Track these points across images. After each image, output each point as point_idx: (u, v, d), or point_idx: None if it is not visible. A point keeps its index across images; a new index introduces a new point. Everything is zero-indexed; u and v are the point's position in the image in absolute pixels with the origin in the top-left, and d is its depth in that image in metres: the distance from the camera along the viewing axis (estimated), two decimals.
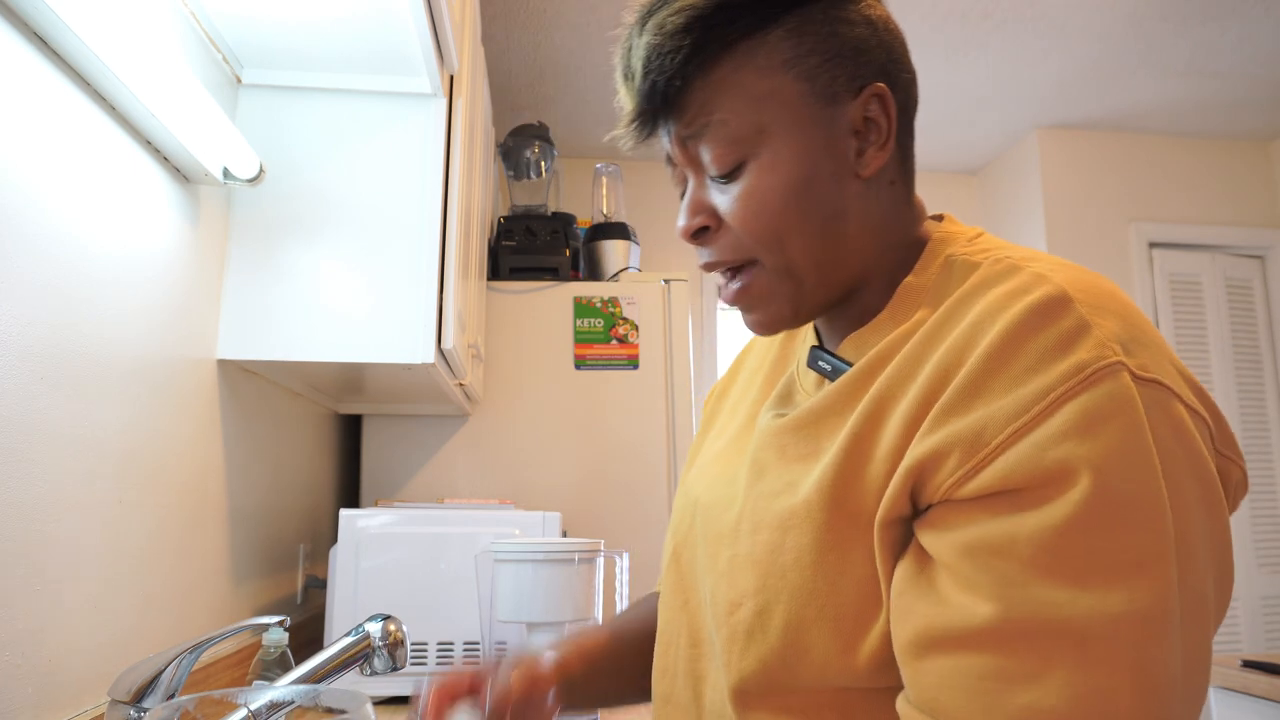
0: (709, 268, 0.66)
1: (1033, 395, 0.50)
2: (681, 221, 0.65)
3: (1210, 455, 0.52)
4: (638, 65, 0.62)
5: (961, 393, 0.53)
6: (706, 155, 0.62)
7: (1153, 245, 3.61)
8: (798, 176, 0.61)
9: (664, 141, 0.65)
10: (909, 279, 0.64)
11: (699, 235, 0.65)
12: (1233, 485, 0.55)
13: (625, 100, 0.65)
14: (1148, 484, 0.48)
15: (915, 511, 0.55)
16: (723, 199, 0.63)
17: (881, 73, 0.63)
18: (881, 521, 0.55)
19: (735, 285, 0.65)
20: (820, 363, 0.66)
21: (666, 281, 2.30)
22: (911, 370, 0.57)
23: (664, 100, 0.62)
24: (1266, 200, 3.76)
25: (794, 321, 0.66)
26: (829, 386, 0.63)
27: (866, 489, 0.56)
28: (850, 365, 0.63)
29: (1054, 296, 0.53)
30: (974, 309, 0.56)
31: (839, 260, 0.63)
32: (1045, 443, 0.49)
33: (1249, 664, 1.68)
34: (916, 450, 0.54)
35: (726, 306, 3.89)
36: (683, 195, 0.67)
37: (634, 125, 0.64)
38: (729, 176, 0.62)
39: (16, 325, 0.75)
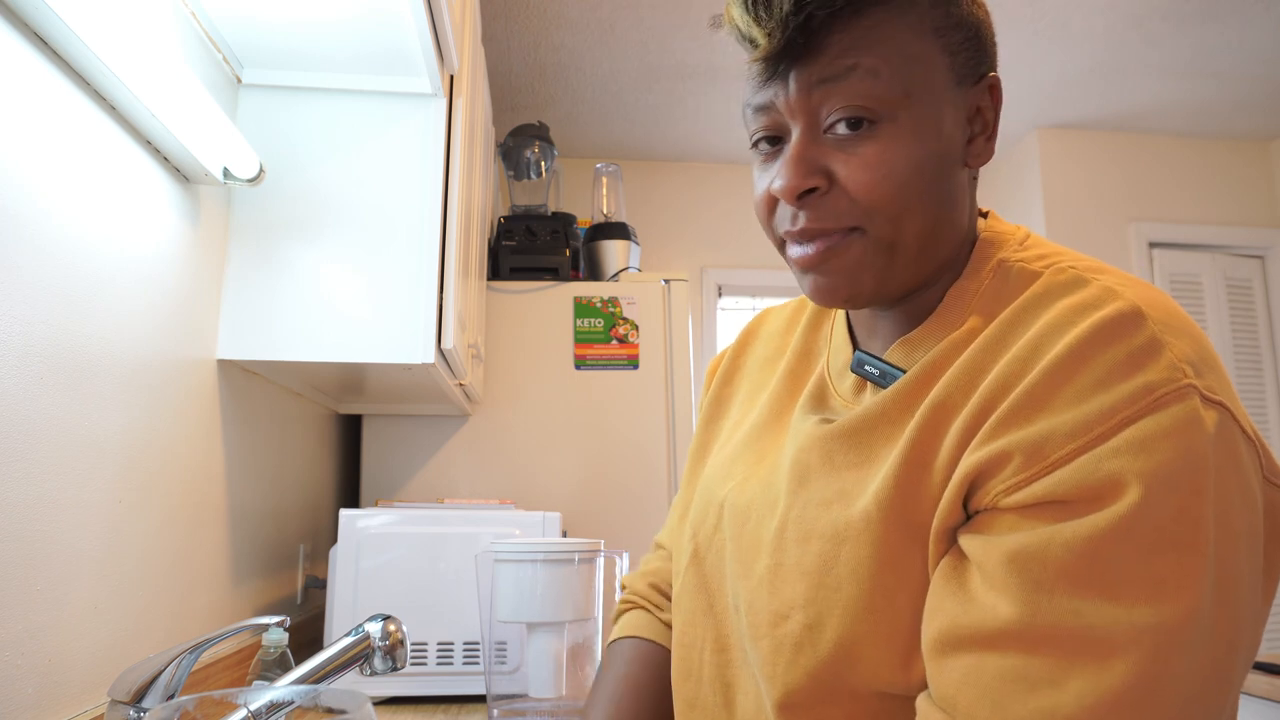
0: (805, 234, 0.59)
1: (1098, 413, 0.49)
2: (786, 180, 0.58)
3: (1260, 486, 0.52)
4: None
5: (1023, 402, 0.51)
6: (839, 103, 0.56)
7: (1153, 245, 3.61)
8: (930, 152, 0.57)
9: (777, 85, 0.58)
10: (960, 282, 0.61)
11: (804, 197, 0.58)
12: None
13: (756, 33, 0.57)
14: (1195, 504, 0.47)
15: (967, 518, 0.54)
16: (842, 158, 0.57)
17: (994, 63, 0.61)
18: (936, 532, 0.54)
19: (821, 244, 0.59)
20: (867, 367, 0.63)
21: (666, 281, 2.30)
22: (972, 379, 0.55)
23: (810, 36, 0.56)
24: (1266, 200, 3.76)
25: (870, 299, 0.61)
26: (880, 394, 0.60)
27: (925, 500, 0.55)
28: (902, 371, 0.60)
29: (1126, 313, 0.51)
30: (1040, 319, 0.54)
31: (937, 246, 0.60)
32: (1101, 458, 0.48)
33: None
34: (973, 457, 0.52)
35: (727, 306, 3.90)
36: (762, 140, 0.61)
37: (768, 61, 0.57)
38: (856, 131, 0.57)
39: (17, 325, 0.75)
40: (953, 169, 0.59)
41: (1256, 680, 1.63)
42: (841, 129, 0.57)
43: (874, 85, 0.56)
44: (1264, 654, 1.78)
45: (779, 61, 0.57)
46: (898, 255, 0.59)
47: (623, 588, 0.91)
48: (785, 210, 0.61)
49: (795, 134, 0.59)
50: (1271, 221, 3.74)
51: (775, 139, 0.61)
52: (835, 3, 0.55)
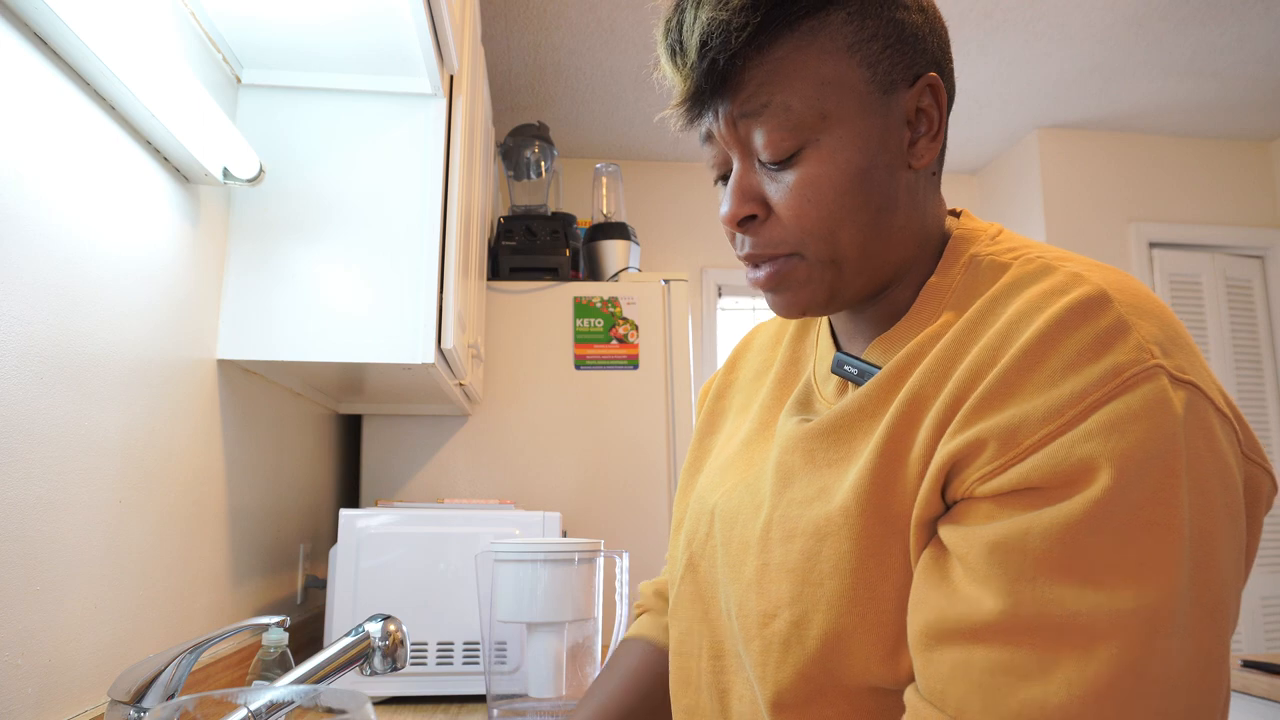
0: (751, 260, 0.63)
1: (1068, 398, 0.49)
2: (727, 208, 0.62)
3: (1238, 462, 0.52)
4: (693, 41, 0.58)
5: (995, 389, 0.52)
6: (760, 138, 0.59)
7: (1153, 245, 3.61)
8: (856, 167, 0.59)
9: (709, 120, 0.62)
10: (932, 279, 0.63)
11: (745, 224, 0.62)
12: (1265, 493, 0.54)
13: (675, 79, 0.61)
14: (1168, 485, 0.48)
15: (946, 508, 0.55)
16: (774, 186, 0.60)
17: (933, 62, 0.62)
18: (916, 523, 0.55)
19: (769, 269, 0.63)
20: (846, 367, 0.64)
21: (666, 281, 2.30)
22: (945, 370, 0.56)
23: (722, 79, 0.59)
24: (1266, 200, 3.77)
25: (825, 309, 0.64)
26: (857, 391, 0.62)
27: (903, 492, 0.56)
28: (878, 368, 0.61)
29: (1092, 296, 0.52)
30: (1009, 308, 0.55)
31: (883, 252, 0.62)
32: (1073, 442, 0.49)
33: (1249, 664, 1.68)
34: (948, 446, 0.53)
35: (727, 306, 3.90)
36: (719, 178, 0.65)
37: (686, 106, 0.61)
38: (783, 163, 0.60)
39: (16, 325, 0.75)
40: (890, 175, 0.60)
41: (1257, 680, 1.63)
42: (767, 158, 0.60)
43: (788, 118, 0.58)
44: (1264, 654, 1.78)
45: (703, 102, 0.61)
46: (842, 268, 0.61)
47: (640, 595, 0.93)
48: (737, 237, 0.64)
49: (735, 164, 0.62)
50: (1271, 221, 3.74)
51: (728, 175, 0.64)
52: (733, 45, 0.57)
